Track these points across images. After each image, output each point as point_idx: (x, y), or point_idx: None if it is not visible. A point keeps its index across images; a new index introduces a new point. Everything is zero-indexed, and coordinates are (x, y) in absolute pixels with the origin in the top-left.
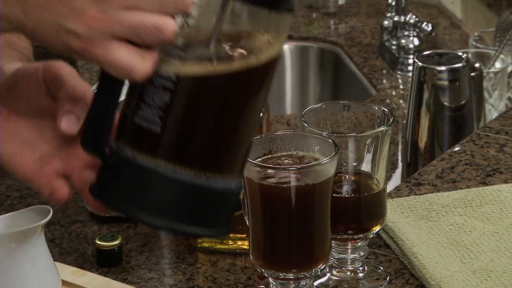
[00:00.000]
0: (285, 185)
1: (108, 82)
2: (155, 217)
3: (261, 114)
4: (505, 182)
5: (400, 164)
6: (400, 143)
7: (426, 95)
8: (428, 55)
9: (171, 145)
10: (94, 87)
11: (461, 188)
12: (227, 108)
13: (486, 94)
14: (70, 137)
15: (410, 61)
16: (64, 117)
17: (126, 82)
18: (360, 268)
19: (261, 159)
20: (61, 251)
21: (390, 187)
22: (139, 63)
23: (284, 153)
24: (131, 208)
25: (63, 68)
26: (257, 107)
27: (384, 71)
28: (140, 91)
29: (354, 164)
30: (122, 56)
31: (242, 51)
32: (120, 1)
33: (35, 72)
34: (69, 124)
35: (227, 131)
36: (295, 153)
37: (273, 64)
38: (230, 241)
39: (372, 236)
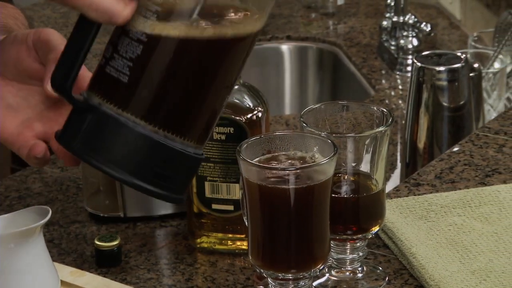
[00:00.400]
0: (284, 186)
1: (84, 27)
2: (112, 166)
3: (229, 90)
4: (504, 182)
5: (399, 164)
6: (399, 144)
7: (425, 95)
8: (427, 56)
9: (135, 97)
10: None
11: (460, 189)
12: (194, 73)
13: (485, 95)
14: (54, 102)
15: (409, 61)
16: None
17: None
18: (359, 269)
19: (260, 159)
20: (60, 251)
21: (389, 187)
22: (121, 8)
23: (283, 154)
24: (90, 154)
25: (53, 34)
26: (225, 80)
27: (383, 72)
28: (116, 42)
29: (353, 164)
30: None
31: (220, 22)
32: None
33: (25, 37)
34: None
35: (190, 95)
36: (294, 153)
37: (248, 41)
38: (229, 242)
39: (371, 236)
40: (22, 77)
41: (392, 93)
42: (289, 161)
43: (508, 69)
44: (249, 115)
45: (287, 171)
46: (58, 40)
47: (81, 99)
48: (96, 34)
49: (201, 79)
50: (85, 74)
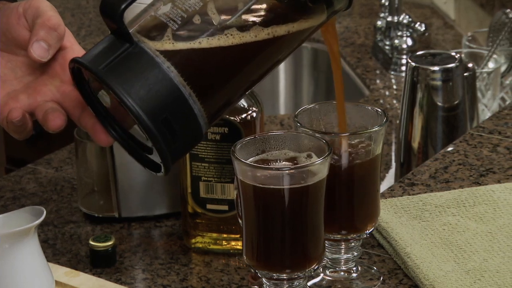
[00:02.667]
0: (278, 186)
1: None
2: (131, 99)
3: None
4: (498, 182)
5: (393, 164)
6: (393, 143)
7: (419, 95)
8: (421, 55)
9: (177, 47)
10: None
11: (454, 188)
12: (239, 60)
13: (479, 94)
14: (41, 73)
15: (404, 61)
16: (36, 43)
17: None
18: (354, 268)
19: (254, 159)
20: (55, 251)
21: (384, 187)
22: None
23: (278, 153)
24: (114, 80)
25: (43, 1)
26: (261, 73)
27: (378, 71)
28: None
29: (348, 164)
30: None
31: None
32: None
33: (16, 6)
34: (40, 50)
35: (227, 73)
36: (288, 153)
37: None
38: (224, 242)
39: (365, 236)
40: (11, 47)
41: (387, 93)
42: (284, 161)
43: (502, 69)
44: (243, 115)
45: (282, 171)
46: (48, 7)
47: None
48: None
49: (242, 66)
50: (74, 48)
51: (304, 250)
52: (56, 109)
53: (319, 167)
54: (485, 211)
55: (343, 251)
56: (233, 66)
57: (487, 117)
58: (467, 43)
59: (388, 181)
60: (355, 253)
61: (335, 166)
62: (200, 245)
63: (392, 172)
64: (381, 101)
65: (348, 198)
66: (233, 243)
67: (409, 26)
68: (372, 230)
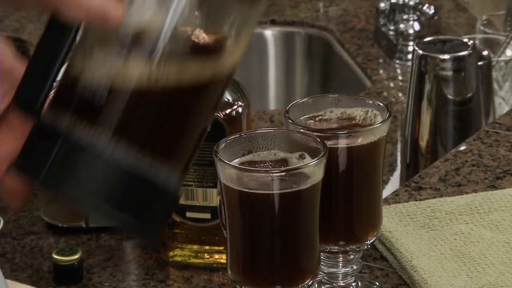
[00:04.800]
0: (267, 191)
1: (60, 30)
2: (91, 199)
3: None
4: None
5: (398, 165)
6: (398, 142)
7: (427, 87)
8: (430, 42)
9: (116, 118)
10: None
11: (467, 193)
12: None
13: (495, 86)
14: None
15: (410, 48)
16: None
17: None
18: (353, 284)
19: (240, 160)
20: (13, 267)
21: (387, 191)
22: (116, 9)
23: (266, 154)
24: (59, 181)
25: None
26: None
27: (381, 60)
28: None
29: (346, 166)
30: None
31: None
32: None
33: None
34: None
35: (178, 121)
36: (278, 154)
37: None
38: (206, 255)
39: (366, 247)
40: None
41: (391, 84)
42: (273, 162)
43: None
44: (228, 111)
45: (271, 174)
46: (2, 49)
47: (47, 120)
48: (75, 39)
49: (194, 107)
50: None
51: (297, 263)
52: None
53: (313, 170)
54: (502, 218)
55: (341, 264)
56: (185, 110)
57: (504, 111)
58: (481, 27)
59: (392, 185)
60: (355, 267)
61: (332, 168)
62: (179, 259)
63: (397, 174)
64: (385, 93)
65: (346, 205)
66: (216, 256)
67: (416, 8)
68: (374, 241)
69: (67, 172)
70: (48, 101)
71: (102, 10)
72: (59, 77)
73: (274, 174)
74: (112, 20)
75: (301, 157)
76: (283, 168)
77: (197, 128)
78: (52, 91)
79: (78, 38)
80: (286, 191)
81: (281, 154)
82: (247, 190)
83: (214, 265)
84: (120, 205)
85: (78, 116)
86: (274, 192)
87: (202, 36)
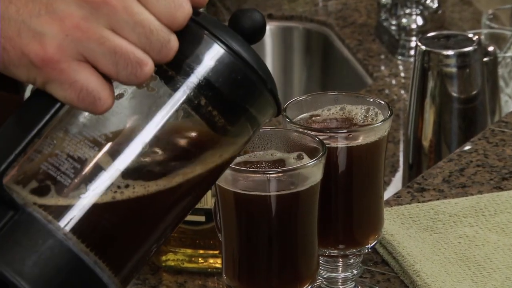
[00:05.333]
0: (263, 192)
1: (41, 104)
2: (24, 282)
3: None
4: None
5: (401, 166)
6: (401, 141)
7: (431, 84)
8: (433, 37)
9: (72, 207)
10: None
11: (472, 194)
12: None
13: (501, 83)
14: None
15: (413, 44)
16: None
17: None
18: None
19: (235, 160)
20: None
21: (389, 193)
22: (108, 94)
23: (263, 154)
24: (1, 259)
25: None
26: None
27: (382, 56)
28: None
29: (346, 166)
30: (92, 80)
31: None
32: (110, 19)
33: None
34: None
35: (139, 235)
36: (275, 154)
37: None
38: (200, 259)
39: (367, 251)
40: None
41: (393, 81)
42: (270, 163)
43: None
44: None
45: (268, 175)
46: None
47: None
48: (54, 116)
49: (158, 217)
50: None
51: (295, 268)
52: None
53: (312, 170)
54: (508, 220)
55: (340, 268)
56: (145, 219)
57: (511, 109)
58: (487, 22)
59: (394, 186)
60: (355, 271)
61: (331, 169)
62: (172, 263)
63: (399, 175)
64: (387, 91)
65: (346, 207)
66: (211, 260)
67: (419, 2)
68: (375, 244)
69: (11, 247)
70: (12, 169)
71: (96, 94)
72: (29, 148)
73: (270, 175)
74: (102, 106)
75: (299, 157)
76: (280, 169)
77: (152, 242)
78: (20, 159)
79: (60, 115)
80: (283, 192)
81: (278, 154)
82: (243, 191)
83: (209, 270)
84: None
85: (33, 192)
86: (271, 193)
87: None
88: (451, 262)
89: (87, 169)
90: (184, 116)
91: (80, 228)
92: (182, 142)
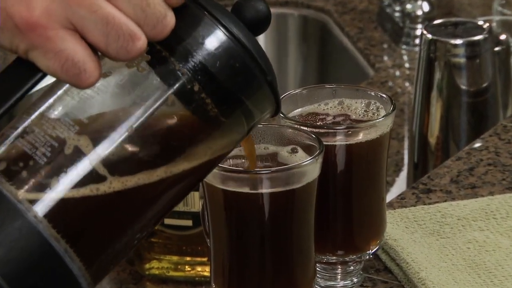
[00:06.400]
0: (256, 192)
1: (20, 73)
2: None
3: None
4: None
5: (405, 165)
6: (405, 138)
7: (437, 75)
8: (440, 25)
9: (46, 189)
10: None
11: (482, 196)
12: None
13: None
14: None
15: (418, 32)
16: None
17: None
18: None
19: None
20: None
21: (392, 194)
22: (94, 67)
23: (255, 148)
24: None
25: None
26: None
27: (385, 46)
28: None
29: (345, 165)
30: (78, 50)
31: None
32: None
33: None
34: None
35: (115, 230)
36: (269, 150)
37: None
38: (186, 267)
39: (368, 257)
40: None
41: (397, 73)
42: (263, 161)
43: None
44: None
45: (260, 174)
46: None
47: None
48: (33, 87)
49: (137, 211)
50: None
51: (290, 276)
52: None
53: (308, 169)
54: None
55: (339, 276)
56: (123, 212)
57: None
58: (499, 8)
59: (398, 187)
60: (355, 280)
61: (329, 169)
62: (157, 272)
63: (403, 175)
64: (390, 83)
65: (345, 209)
66: (198, 268)
67: None
68: (377, 250)
69: None
70: None
71: (82, 66)
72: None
73: (263, 174)
74: (87, 80)
75: (293, 151)
76: (273, 168)
77: (128, 236)
78: None
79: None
80: (277, 192)
81: (272, 148)
82: (233, 191)
83: (196, 278)
84: (21, 283)
85: (5, 170)
86: (263, 191)
87: None
88: (459, 269)
89: (65, 150)
90: (175, 102)
91: (52, 212)
92: (169, 131)
